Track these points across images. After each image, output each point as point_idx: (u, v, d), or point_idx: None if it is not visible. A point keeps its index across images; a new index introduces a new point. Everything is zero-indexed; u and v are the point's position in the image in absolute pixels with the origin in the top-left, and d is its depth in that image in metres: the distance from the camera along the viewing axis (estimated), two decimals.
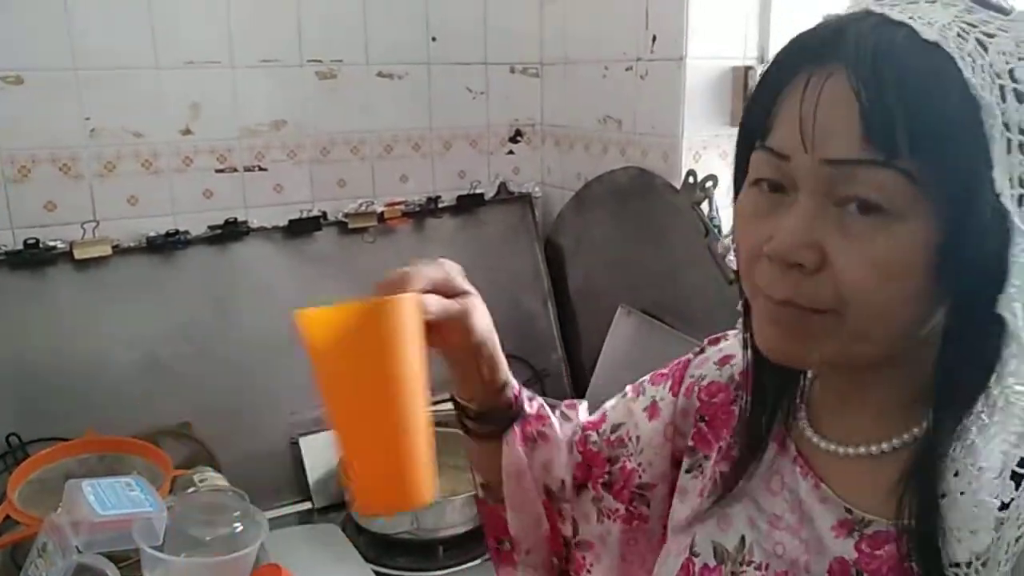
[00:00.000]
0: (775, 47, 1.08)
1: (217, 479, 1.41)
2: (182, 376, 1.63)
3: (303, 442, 1.66)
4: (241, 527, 1.17)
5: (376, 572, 1.41)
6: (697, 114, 1.57)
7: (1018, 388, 0.51)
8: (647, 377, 0.82)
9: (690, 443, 0.75)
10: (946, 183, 0.49)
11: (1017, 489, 0.50)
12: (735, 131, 0.61)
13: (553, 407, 0.87)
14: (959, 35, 0.50)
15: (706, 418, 0.74)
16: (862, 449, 0.59)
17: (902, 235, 0.50)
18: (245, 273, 1.71)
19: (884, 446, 0.58)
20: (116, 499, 1.13)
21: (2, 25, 1.49)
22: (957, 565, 0.51)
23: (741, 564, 0.65)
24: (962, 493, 0.51)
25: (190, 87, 1.65)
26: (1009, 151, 0.49)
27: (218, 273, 1.69)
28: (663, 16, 1.59)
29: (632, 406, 0.81)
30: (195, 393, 1.63)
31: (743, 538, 0.66)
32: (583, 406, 0.89)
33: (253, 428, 1.66)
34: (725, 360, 0.75)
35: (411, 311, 0.64)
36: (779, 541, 0.63)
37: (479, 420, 0.80)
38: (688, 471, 0.74)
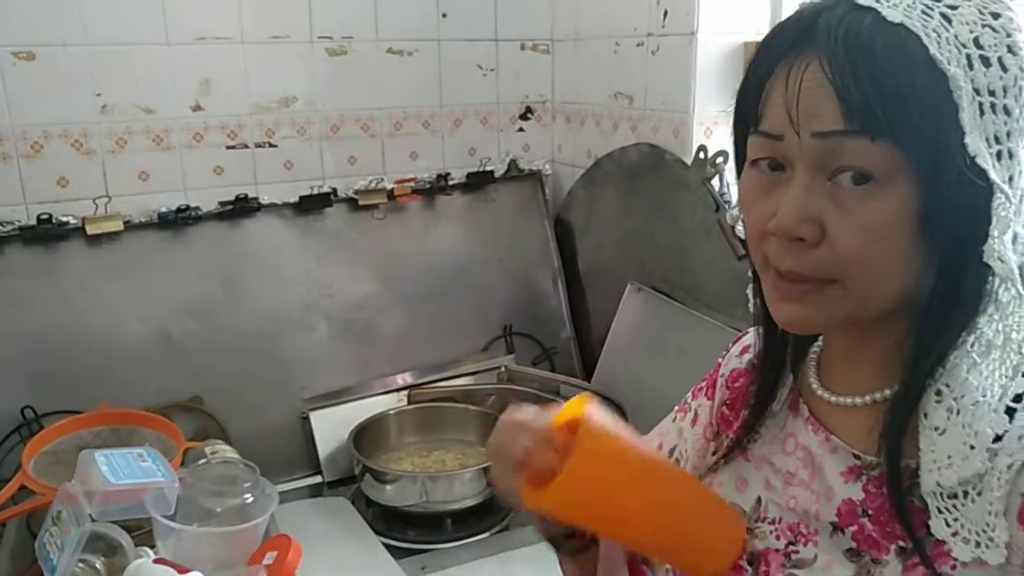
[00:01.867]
0: None
1: (228, 452, 1.42)
2: (194, 350, 1.64)
3: (313, 417, 1.68)
4: (252, 498, 1.19)
5: (385, 544, 1.42)
6: (708, 90, 1.55)
7: (1016, 325, 0.55)
8: (689, 394, 0.84)
9: (716, 430, 0.78)
10: (921, 150, 0.53)
11: (1011, 422, 0.54)
12: None
13: None
14: (923, 12, 0.53)
15: (727, 402, 0.77)
16: (867, 398, 0.63)
17: (887, 199, 0.54)
18: (255, 249, 1.72)
19: (887, 392, 0.61)
20: (129, 469, 1.15)
21: (14, 1, 1.49)
22: (955, 496, 0.55)
23: (756, 521, 0.68)
24: (953, 426, 0.55)
25: (201, 63, 1.65)
26: (982, 113, 0.53)
27: (229, 249, 1.70)
28: None
29: (681, 425, 0.83)
30: (206, 367, 1.64)
31: (759, 499, 0.69)
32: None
33: (264, 402, 1.68)
34: (745, 349, 0.78)
35: (598, 415, 0.64)
36: (792, 495, 0.66)
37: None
38: (713, 454, 0.76)
